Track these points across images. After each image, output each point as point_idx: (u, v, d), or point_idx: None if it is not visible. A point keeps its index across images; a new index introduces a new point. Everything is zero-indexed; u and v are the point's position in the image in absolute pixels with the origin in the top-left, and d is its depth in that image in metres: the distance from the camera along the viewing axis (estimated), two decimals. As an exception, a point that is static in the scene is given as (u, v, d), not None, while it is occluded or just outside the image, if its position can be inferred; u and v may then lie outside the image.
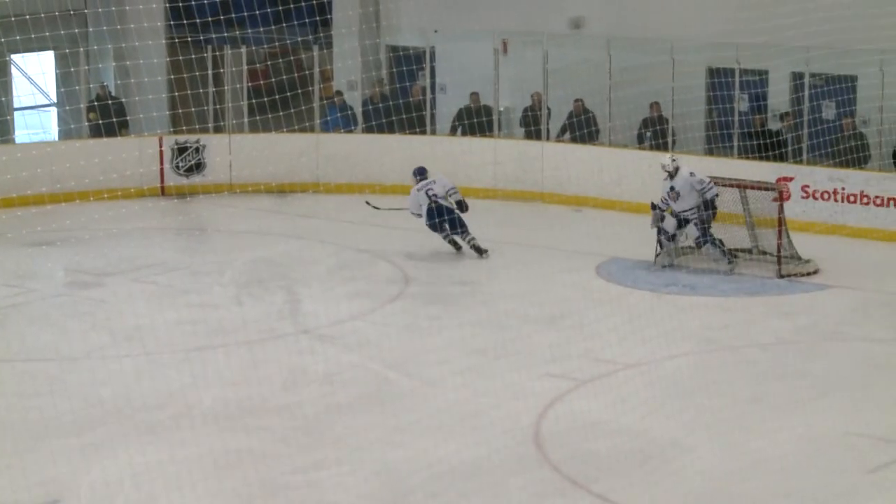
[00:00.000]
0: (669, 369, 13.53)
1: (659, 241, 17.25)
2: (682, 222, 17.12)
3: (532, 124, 21.97)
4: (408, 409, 12.49)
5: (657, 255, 17.28)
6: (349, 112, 22.91)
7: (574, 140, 21.56)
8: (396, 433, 11.79)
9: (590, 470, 10.92)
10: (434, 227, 18.13)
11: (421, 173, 18.46)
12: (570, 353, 13.90)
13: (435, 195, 18.09)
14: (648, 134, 21.06)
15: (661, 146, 20.57)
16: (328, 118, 22.68)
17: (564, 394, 12.70)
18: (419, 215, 18.26)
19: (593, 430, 11.75)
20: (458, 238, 18.04)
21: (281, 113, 22.31)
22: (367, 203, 19.29)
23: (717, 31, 20.50)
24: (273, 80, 22.02)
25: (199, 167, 22.00)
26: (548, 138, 21.70)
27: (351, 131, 22.59)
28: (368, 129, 22.34)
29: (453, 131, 22.51)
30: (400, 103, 22.27)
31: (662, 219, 17.10)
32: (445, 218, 18.01)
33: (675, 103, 20.78)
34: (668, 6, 21.66)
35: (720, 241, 17.22)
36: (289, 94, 22.30)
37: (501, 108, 22.33)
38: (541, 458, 11.25)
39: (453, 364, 13.70)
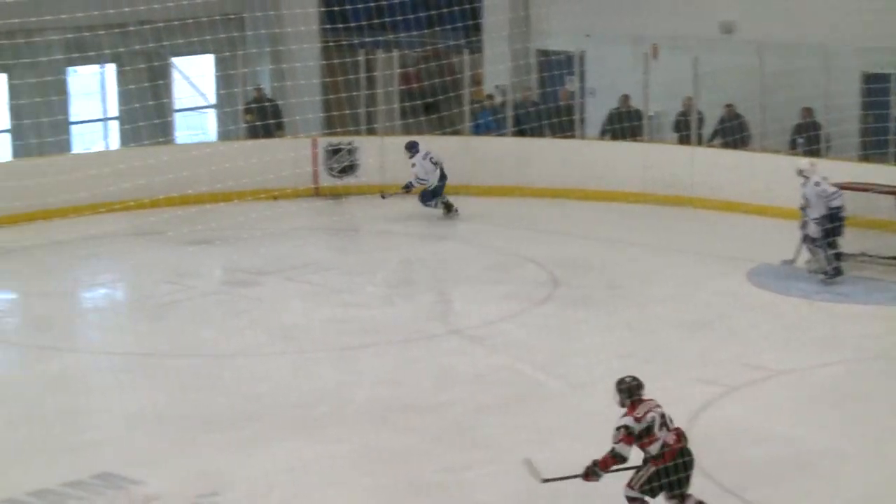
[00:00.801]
0: (823, 377, 13.30)
1: (807, 247, 16.91)
2: (832, 230, 16.71)
3: (684, 129, 21.76)
4: (556, 411, 12.45)
5: (796, 256, 16.94)
6: (499, 115, 22.94)
7: (725, 145, 21.30)
8: (545, 434, 11.75)
9: (742, 477, 10.76)
10: (437, 190, 20.14)
11: (414, 146, 20.27)
12: (721, 359, 13.74)
13: (438, 160, 20.08)
14: (801, 140, 20.70)
15: (814, 152, 20.21)
16: (479, 121, 22.72)
17: (715, 400, 12.54)
18: (424, 181, 20.11)
19: (745, 437, 11.60)
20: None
21: (431, 116, 22.50)
22: (382, 196, 20.40)
23: (872, 35, 20.09)
24: (425, 83, 22.13)
25: (351, 168, 22.19)
26: (699, 143, 21.47)
27: (501, 134, 22.60)
28: (518, 133, 22.34)
29: (604, 135, 22.39)
30: (549, 107, 22.22)
31: (805, 224, 16.77)
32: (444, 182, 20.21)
33: (828, 109, 20.40)
34: (820, 11, 21.28)
35: (836, 254, 16.72)
36: (440, 97, 22.45)
37: (651, 113, 22.15)
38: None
39: (601, 367, 13.55)
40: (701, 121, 21.49)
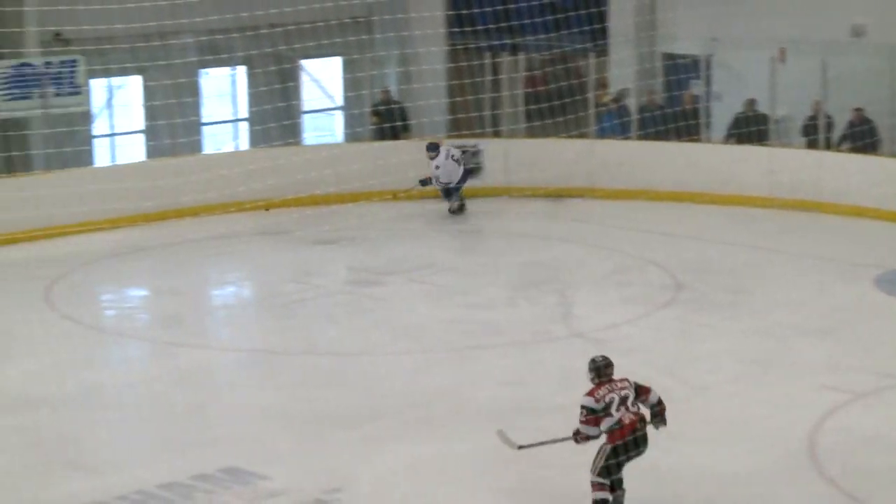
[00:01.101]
0: (951, 386, 13.02)
1: None
2: None
3: (812, 133, 21.45)
4: (679, 415, 12.23)
5: None
6: (625, 119, 22.81)
7: (854, 150, 20.94)
8: (668, 439, 11.58)
9: (868, 486, 10.56)
10: (458, 187, 20.46)
11: (435, 148, 20.48)
12: (847, 366, 13.50)
13: (460, 158, 20.51)
14: (932, 145, 20.29)
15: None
16: (604, 125, 22.62)
17: (841, 406, 12.32)
18: (446, 183, 20.38)
19: (872, 445, 11.37)
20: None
21: (556, 119, 22.43)
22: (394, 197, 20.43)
23: None
24: (550, 86, 22.07)
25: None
26: (828, 147, 21.13)
27: (626, 138, 22.47)
28: (643, 136, 22.20)
29: (729, 139, 22.15)
30: (675, 111, 22.03)
31: None
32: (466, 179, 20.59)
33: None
34: (954, 14, 20.87)
35: None
36: (567, 100, 22.37)
37: (778, 117, 21.85)
38: (815, 471, 10.95)
39: (725, 372, 13.48)
40: (830, 125, 21.16)
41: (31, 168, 20.10)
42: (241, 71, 23.05)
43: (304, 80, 24.00)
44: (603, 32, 23.58)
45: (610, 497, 10.11)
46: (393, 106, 22.88)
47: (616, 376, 10.16)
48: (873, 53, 20.84)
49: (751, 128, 21.42)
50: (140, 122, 22.27)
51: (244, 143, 23.27)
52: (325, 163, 20.60)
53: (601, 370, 10.16)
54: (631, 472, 10.51)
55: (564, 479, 10.79)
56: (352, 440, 11.59)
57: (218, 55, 21.55)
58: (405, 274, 17.28)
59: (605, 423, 9.99)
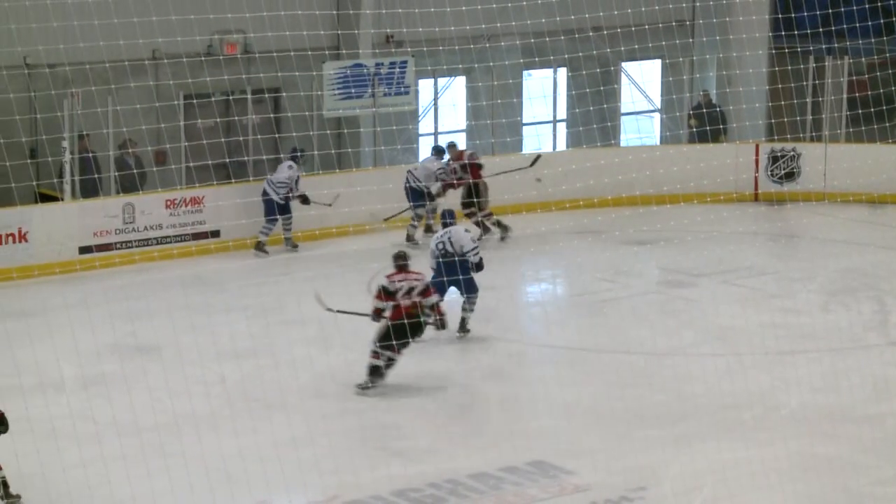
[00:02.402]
0: None
1: None
2: None
3: None
4: None
5: None
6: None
7: None
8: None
9: None
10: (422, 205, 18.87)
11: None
12: None
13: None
14: None
15: None
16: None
17: None
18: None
19: None
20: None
21: (880, 124, 21.65)
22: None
23: None
24: (875, 91, 21.31)
25: (793, 175, 21.70)
26: None
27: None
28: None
29: None
30: None
31: None
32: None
33: None
34: None
35: None
36: (894, 105, 21.58)
37: None
38: None
39: None
40: None
41: (361, 164, 20.75)
42: (562, 73, 23.15)
43: (624, 82, 23.91)
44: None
45: (381, 364, 12.63)
46: (712, 109, 22.57)
47: (415, 270, 12.94)
48: None
49: None
50: (463, 121, 22.67)
51: (562, 144, 23.36)
52: (640, 164, 20.50)
53: (398, 260, 13.03)
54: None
55: (876, 490, 10.42)
56: (659, 439, 11.50)
57: (541, 57, 21.72)
58: (718, 276, 17.02)
59: (390, 303, 12.58)
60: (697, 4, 23.96)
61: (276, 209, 18.28)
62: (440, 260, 14.39)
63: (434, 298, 12.92)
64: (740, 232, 19.70)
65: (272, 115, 20.45)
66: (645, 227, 18.45)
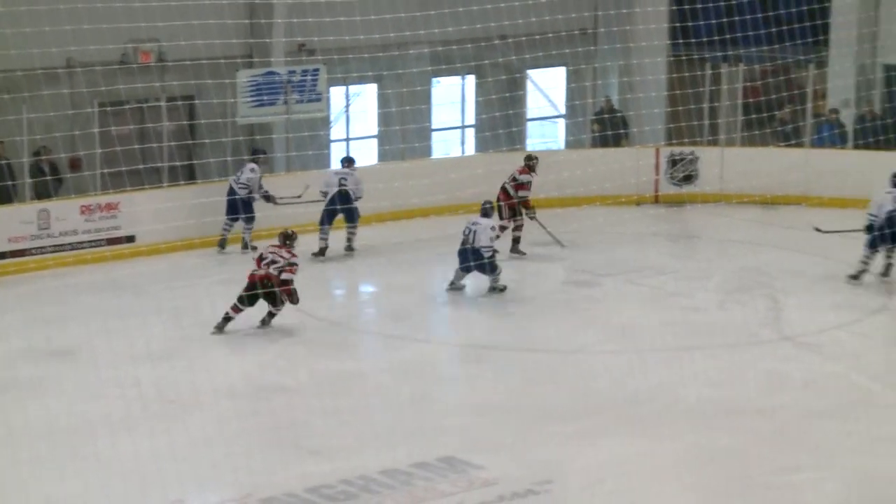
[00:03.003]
0: None
1: None
2: None
3: None
4: (889, 420, 11.96)
5: None
6: (842, 129, 22.18)
7: None
8: (876, 443, 11.32)
9: None
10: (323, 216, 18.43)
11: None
12: None
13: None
14: None
15: None
16: (821, 135, 22.04)
17: None
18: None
19: None
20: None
21: (775, 129, 21.95)
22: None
23: None
24: (768, 97, 21.61)
25: (691, 177, 21.93)
26: None
27: (842, 148, 21.84)
28: (860, 147, 21.54)
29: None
30: (893, 121, 21.33)
31: None
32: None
33: None
34: None
35: None
36: (786, 110, 21.89)
37: None
38: None
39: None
40: None
41: (274, 170, 20.64)
42: (470, 80, 23.20)
43: (530, 89, 24.01)
44: (824, 44, 22.98)
45: (233, 315, 14.29)
46: (613, 115, 22.74)
47: (293, 251, 14.62)
48: None
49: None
50: (374, 127, 22.64)
51: (470, 149, 23.41)
52: (546, 168, 20.56)
53: (280, 236, 14.75)
54: (834, 474, 10.27)
55: (770, 480, 10.56)
56: (564, 435, 11.57)
57: (449, 64, 21.75)
58: (620, 276, 17.15)
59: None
60: (600, 14, 24.16)
61: (240, 208, 18.25)
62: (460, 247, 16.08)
63: (286, 277, 14.34)
64: (641, 233, 19.87)
65: (186, 122, 20.28)
66: (550, 229, 18.51)
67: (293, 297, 14.49)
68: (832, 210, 20.65)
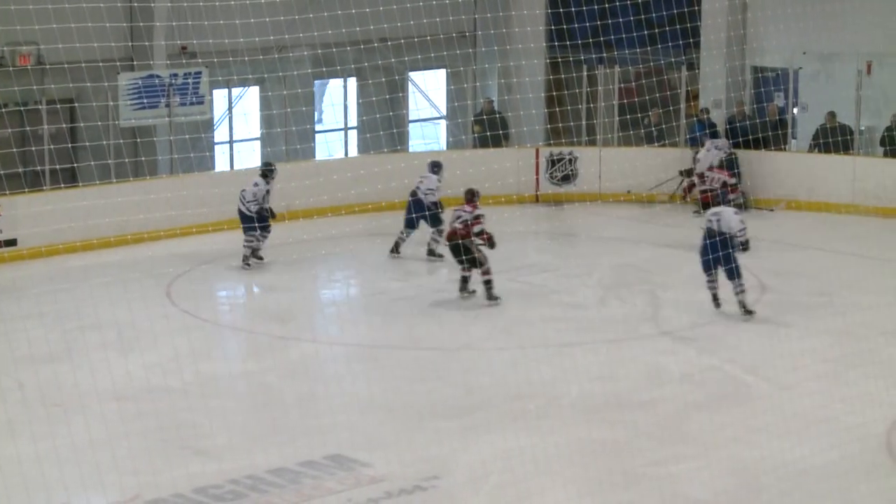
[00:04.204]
0: None
1: None
2: None
3: (889, 144, 21.08)
4: (762, 411, 12.16)
5: None
6: (713, 129, 22.53)
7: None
8: (751, 433, 11.50)
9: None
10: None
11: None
12: (927, 367, 13.20)
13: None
14: None
15: None
16: (694, 135, 22.38)
17: (919, 406, 12.07)
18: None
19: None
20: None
21: (647, 129, 22.22)
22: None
23: None
24: (643, 98, 21.87)
25: (570, 177, 22.12)
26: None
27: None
28: (732, 146, 21.90)
29: (812, 149, 21.84)
30: (761, 122, 21.73)
31: None
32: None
33: None
34: None
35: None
36: (650, 113, 22.17)
37: (863, 128, 21.47)
38: (893, 466, 10.75)
39: (808, 371, 13.26)
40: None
41: (157, 172, 20.36)
42: (352, 82, 23.13)
43: (411, 91, 24.02)
44: (696, 46, 23.34)
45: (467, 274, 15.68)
46: (494, 116, 22.85)
47: (470, 203, 15.60)
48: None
49: (831, 139, 21.04)
50: (257, 129, 22.45)
51: (353, 150, 23.34)
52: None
53: (466, 194, 15.81)
54: (713, 464, 10.43)
55: (651, 471, 10.67)
56: (450, 431, 11.56)
57: (331, 67, 21.66)
58: (503, 274, 17.15)
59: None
60: (478, 17, 24.23)
61: (254, 220, 17.65)
62: (707, 241, 14.98)
63: (479, 227, 15.67)
64: (522, 232, 19.97)
65: (66, 126, 19.90)
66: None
67: (491, 242, 15.58)
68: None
